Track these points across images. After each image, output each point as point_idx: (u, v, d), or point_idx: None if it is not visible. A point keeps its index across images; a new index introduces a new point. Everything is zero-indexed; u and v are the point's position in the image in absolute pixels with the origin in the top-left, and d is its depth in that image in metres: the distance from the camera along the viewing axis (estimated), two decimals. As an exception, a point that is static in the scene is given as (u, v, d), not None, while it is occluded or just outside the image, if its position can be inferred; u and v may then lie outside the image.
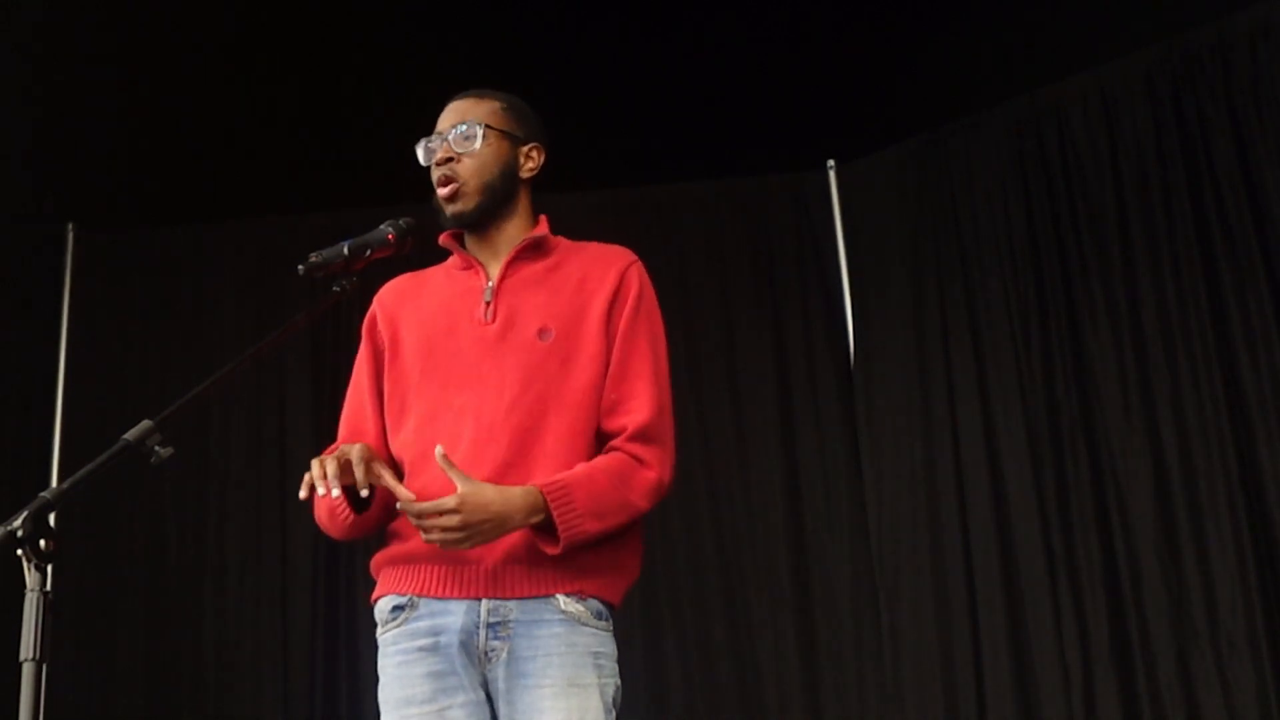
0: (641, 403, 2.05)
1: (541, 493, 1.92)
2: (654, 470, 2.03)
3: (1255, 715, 3.48)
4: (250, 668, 4.25)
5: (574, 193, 4.46)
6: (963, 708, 3.94)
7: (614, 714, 1.98)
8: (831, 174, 4.56)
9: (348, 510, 2.00)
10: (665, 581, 4.23)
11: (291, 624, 4.27)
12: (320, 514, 2.08)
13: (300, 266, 1.93)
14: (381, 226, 2.04)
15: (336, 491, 1.85)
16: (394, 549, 2.06)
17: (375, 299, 2.24)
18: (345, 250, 1.96)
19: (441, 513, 1.86)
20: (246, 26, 4.02)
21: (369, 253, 1.99)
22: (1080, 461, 3.91)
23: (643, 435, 2.04)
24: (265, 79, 4.17)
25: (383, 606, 2.05)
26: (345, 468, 1.89)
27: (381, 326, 2.20)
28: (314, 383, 4.50)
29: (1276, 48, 3.72)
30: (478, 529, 1.88)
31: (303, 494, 1.87)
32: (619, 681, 2.00)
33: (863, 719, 4.11)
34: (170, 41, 4.02)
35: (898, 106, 4.32)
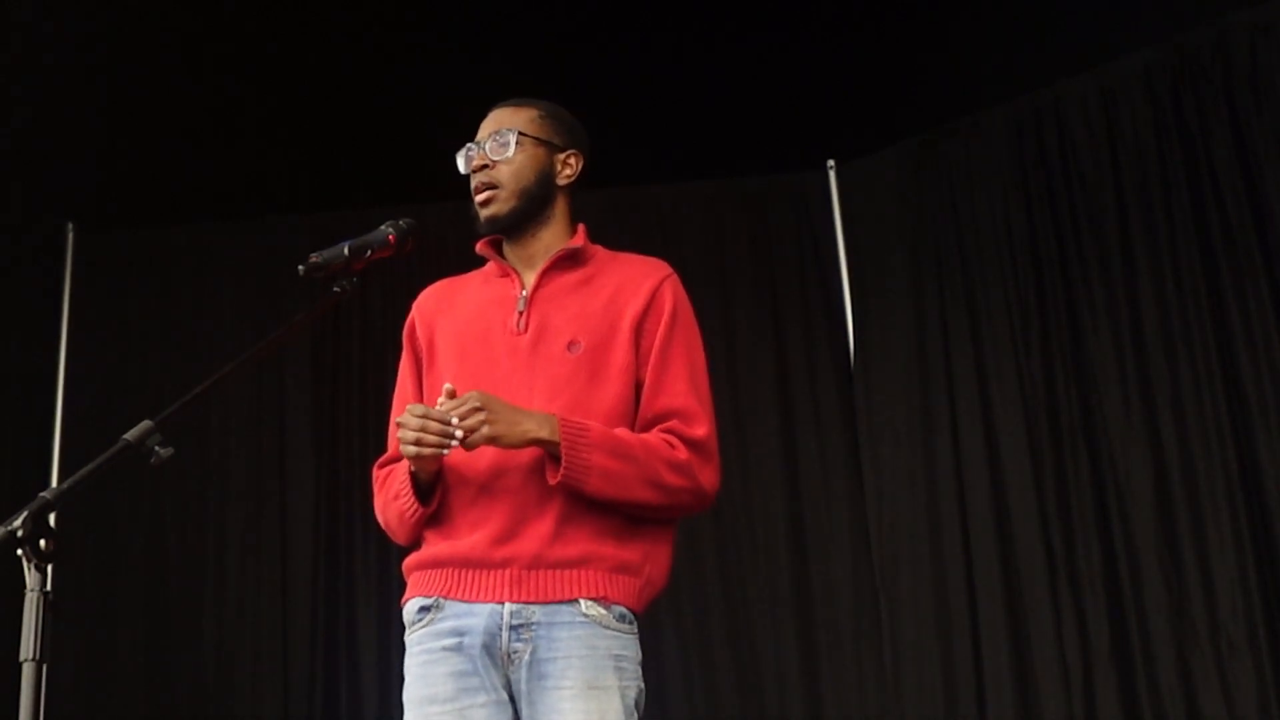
0: (698, 420, 2.06)
1: (558, 417, 1.95)
2: (683, 453, 2.02)
3: (1255, 715, 3.48)
4: (250, 668, 4.25)
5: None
6: (963, 708, 3.94)
7: (636, 717, 1.98)
8: (831, 174, 4.56)
9: (416, 507, 2.03)
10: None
11: (291, 624, 4.27)
12: (389, 518, 2.12)
13: (300, 267, 1.93)
14: (382, 227, 2.04)
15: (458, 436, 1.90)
16: (424, 554, 2.08)
17: (414, 305, 2.24)
18: (345, 251, 1.96)
19: (465, 404, 1.91)
20: (248, 27, 4.01)
21: (369, 253, 1.99)
22: (1080, 461, 3.91)
23: (695, 446, 2.05)
24: (266, 79, 4.17)
25: (410, 608, 2.07)
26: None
27: (420, 332, 2.21)
28: (314, 383, 4.50)
29: (1276, 47, 3.71)
30: (497, 413, 1.91)
31: (450, 446, 1.92)
32: (642, 685, 2.00)
33: (863, 718, 4.11)
34: (171, 42, 4.02)
35: (898, 106, 4.32)
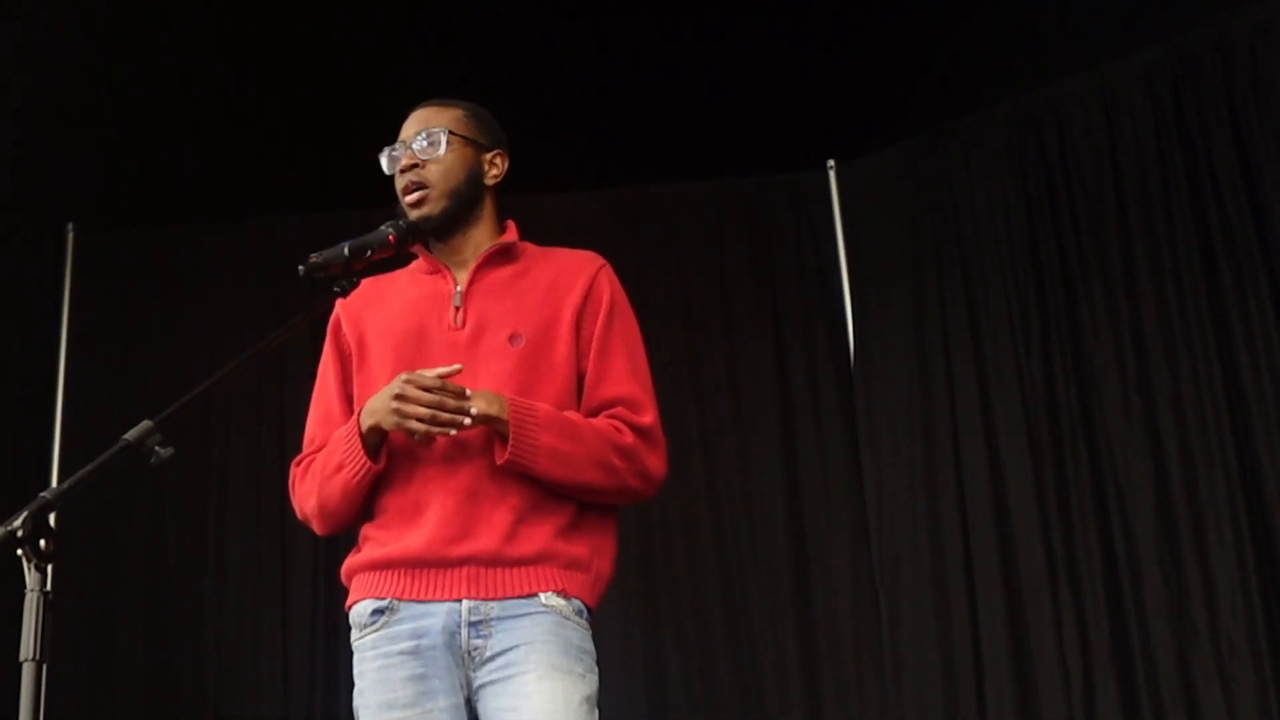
0: (644, 408, 2.07)
1: (506, 400, 1.95)
2: (629, 438, 2.03)
3: (1255, 715, 3.48)
4: (250, 668, 4.25)
5: (574, 193, 4.46)
6: (963, 708, 3.94)
7: (596, 712, 1.97)
8: (831, 174, 4.56)
9: (365, 464, 1.99)
10: (665, 581, 4.23)
11: (291, 624, 4.27)
12: (324, 498, 2.08)
13: (300, 267, 1.93)
14: (382, 227, 2.05)
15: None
16: (369, 555, 2.05)
17: (337, 303, 2.17)
18: (345, 251, 1.96)
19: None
20: (246, 26, 4.02)
21: (369, 253, 1.99)
22: (1080, 461, 3.91)
23: (641, 432, 2.06)
24: (265, 79, 4.17)
25: (361, 610, 2.04)
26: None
27: (346, 330, 2.19)
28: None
29: (1276, 48, 3.71)
30: (474, 393, 1.93)
31: (453, 431, 1.92)
32: (597, 682, 2.00)
33: (863, 718, 4.11)
34: (169, 42, 4.02)
35: (898, 106, 4.31)
